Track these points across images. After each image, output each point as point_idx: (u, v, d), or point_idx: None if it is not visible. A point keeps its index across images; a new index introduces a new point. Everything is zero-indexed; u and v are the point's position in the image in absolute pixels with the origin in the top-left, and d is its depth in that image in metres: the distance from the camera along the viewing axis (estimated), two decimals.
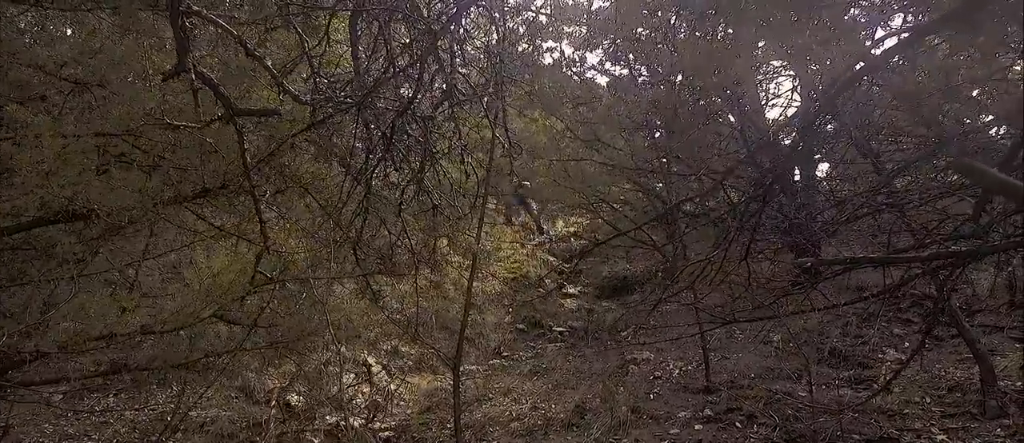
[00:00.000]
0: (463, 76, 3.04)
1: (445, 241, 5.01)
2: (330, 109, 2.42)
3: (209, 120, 2.33)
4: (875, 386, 4.78)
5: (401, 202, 3.52)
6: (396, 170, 3.47)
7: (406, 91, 2.84)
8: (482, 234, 5.02)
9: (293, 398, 6.17)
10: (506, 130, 3.28)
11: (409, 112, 2.79)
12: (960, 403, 4.23)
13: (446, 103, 2.99)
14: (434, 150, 3.25)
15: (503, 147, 3.60)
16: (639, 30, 8.06)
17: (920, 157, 4.54)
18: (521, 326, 8.90)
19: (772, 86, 8.96)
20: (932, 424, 4.03)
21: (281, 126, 2.69)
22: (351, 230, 4.16)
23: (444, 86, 2.98)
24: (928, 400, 4.33)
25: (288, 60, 3.51)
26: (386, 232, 4.34)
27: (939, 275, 4.68)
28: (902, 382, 4.67)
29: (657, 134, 9.00)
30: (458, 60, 3.04)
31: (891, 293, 4.35)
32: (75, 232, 3.89)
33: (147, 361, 4.03)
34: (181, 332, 4.06)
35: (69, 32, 4.38)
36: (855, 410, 4.25)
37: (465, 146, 3.40)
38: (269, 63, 2.30)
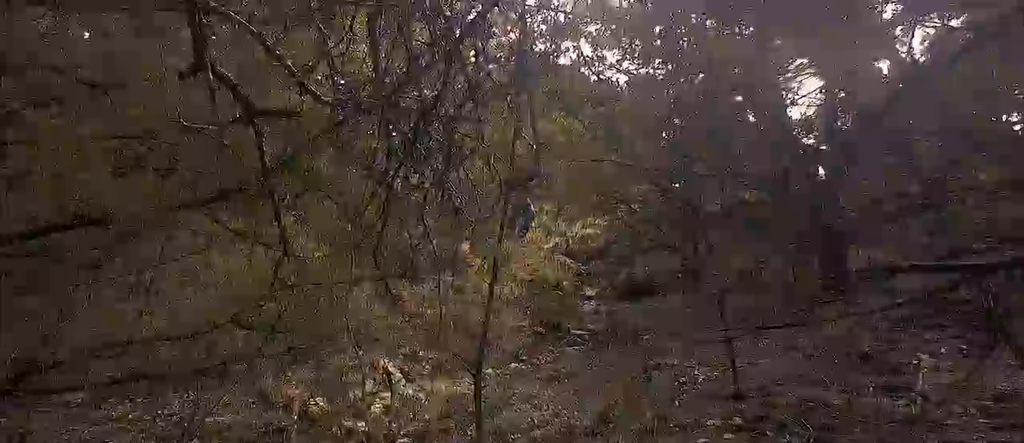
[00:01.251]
0: (487, 74, 2.93)
1: (466, 244, 4.88)
2: (351, 109, 2.31)
3: (227, 121, 2.22)
4: (912, 393, 4.60)
5: (425, 205, 3.41)
6: (416, 173, 3.36)
7: (429, 91, 2.72)
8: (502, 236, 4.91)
9: (311, 404, 6.09)
10: (533, 129, 3.16)
11: (433, 112, 2.68)
12: (1009, 414, 4.04)
13: (471, 102, 2.87)
14: (458, 150, 3.13)
15: (530, 146, 3.48)
16: (659, 29, 7.93)
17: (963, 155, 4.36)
18: (540, 329, 8.77)
19: (796, 85, 8.78)
20: (978, 436, 3.84)
21: (301, 128, 2.60)
22: (372, 234, 4.07)
23: (467, 85, 2.86)
24: (973, 410, 4.15)
25: (308, 60, 3.42)
26: (407, 235, 4.23)
27: (989, 281, 4.51)
28: (942, 391, 4.49)
29: (676, 132, 8.85)
30: (482, 59, 2.92)
31: (934, 298, 4.18)
32: (91, 237, 3.83)
33: (163, 368, 3.96)
34: (198, 338, 3.99)
35: (86, 34, 4.32)
36: (895, 420, 4.08)
37: (489, 146, 3.28)
38: (289, 63, 2.20)
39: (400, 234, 4.31)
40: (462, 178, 4.10)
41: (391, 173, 3.26)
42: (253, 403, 6.12)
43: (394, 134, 2.73)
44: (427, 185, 3.34)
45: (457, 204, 3.94)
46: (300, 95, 2.15)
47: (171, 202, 3.00)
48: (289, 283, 4.51)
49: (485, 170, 3.80)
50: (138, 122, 3.42)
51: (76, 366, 3.77)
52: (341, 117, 2.34)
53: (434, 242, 3.85)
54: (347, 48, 3.38)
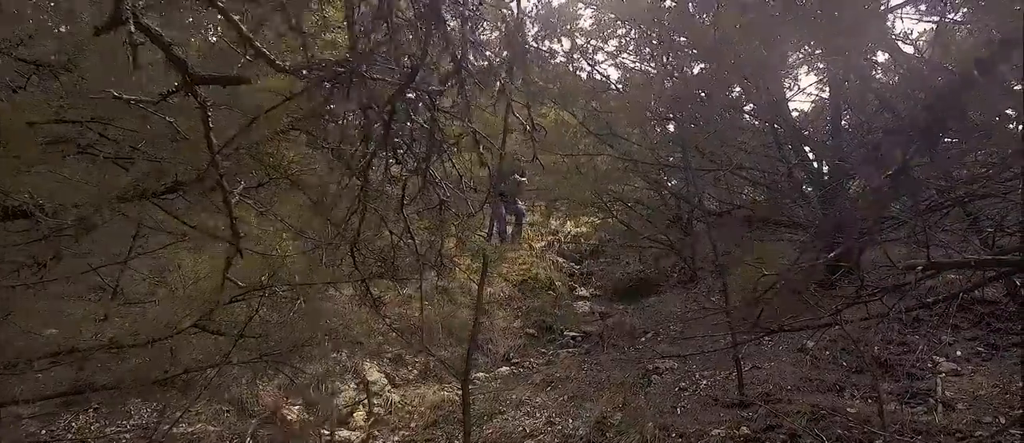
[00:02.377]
0: (474, 48, 2.58)
1: (452, 242, 4.53)
2: (317, 77, 1.95)
3: (166, 92, 1.86)
4: (932, 400, 4.29)
5: (404, 197, 3.05)
6: (397, 161, 3.00)
7: (408, 66, 2.36)
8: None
9: (288, 412, 5.72)
10: (529, 114, 2.81)
11: (412, 88, 2.32)
12: None
13: (456, 80, 2.52)
14: (442, 135, 2.78)
15: (523, 132, 3.12)
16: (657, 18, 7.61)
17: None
18: (531, 331, 8.43)
19: (795, 78, 8.50)
20: None
21: (259, 102, 2.24)
22: (347, 229, 3.70)
23: (452, 60, 2.51)
24: (1002, 420, 3.85)
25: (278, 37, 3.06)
26: (387, 232, 3.87)
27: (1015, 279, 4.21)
28: (967, 398, 4.19)
29: (672, 127, 8.54)
30: (468, 32, 2.57)
31: (959, 298, 3.87)
32: (36, 233, 3.45)
33: (116, 378, 3.58)
34: (156, 344, 3.61)
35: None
36: (918, 430, 3.77)
37: (477, 132, 2.92)
38: (239, 21, 1.83)
39: (379, 230, 3.95)
40: (448, 168, 3.76)
41: (367, 159, 2.91)
42: (227, 411, 5.73)
43: (369, 111, 2.39)
44: (406, 174, 2.99)
45: (442, 196, 3.59)
46: (246, 56, 1.79)
47: (114, 193, 2.63)
48: (260, 284, 4.16)
49: (473, 160, 3.44)
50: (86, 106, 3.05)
51: (17, 375, 3.39)
52: (304, 86, 1.98)
53: (416, 240, 3.49)
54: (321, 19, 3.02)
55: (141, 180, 2.82)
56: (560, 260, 11.45)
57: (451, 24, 2.35)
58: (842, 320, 4.06)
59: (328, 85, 2.22)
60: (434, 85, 2.55)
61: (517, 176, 10.72)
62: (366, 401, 6.19)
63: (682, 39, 7.38)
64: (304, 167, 3.26)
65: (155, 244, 4.07)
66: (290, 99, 2.03)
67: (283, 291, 4.09)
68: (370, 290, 4.26)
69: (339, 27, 3.74)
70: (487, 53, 3.30)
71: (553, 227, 12.94)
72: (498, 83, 3.56)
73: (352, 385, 6.34)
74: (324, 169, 3.43)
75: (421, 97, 2.46)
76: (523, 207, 11.50)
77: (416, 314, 6.73)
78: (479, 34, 2.77)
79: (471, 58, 2.70)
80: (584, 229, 12.46)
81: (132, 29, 1.54)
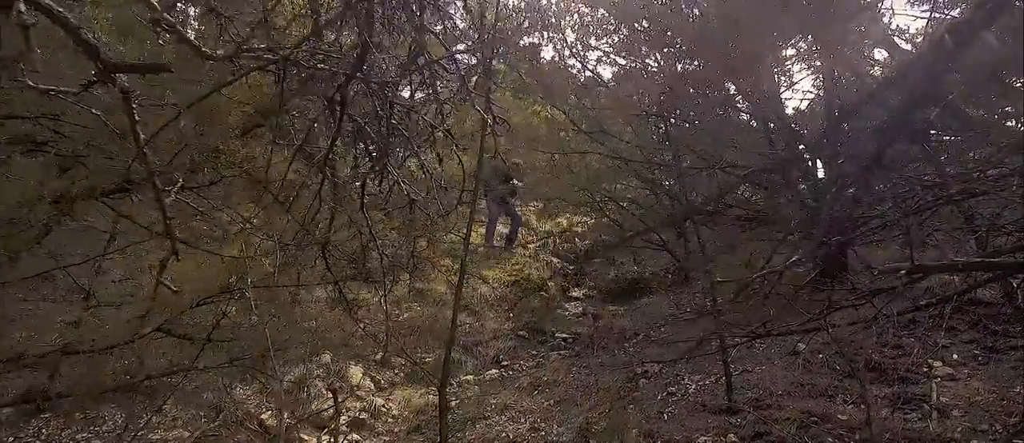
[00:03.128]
0: (440, 31, 2.43)
1: (424, 242, 4.37)
2: (248, 67, 1.80)
3: (87, 82, 1.71)
4: (926, 406, 4.13)
5: (363, 195, 2.89)
6: (355, 154, 2.86)
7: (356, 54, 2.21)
8: (471, 234, 4.41)
9: (266, 417, 5.56)
10: (488, 99, 2.66)
11: (361, 78, 2.17)
12: None
13: (414, 69, 2.37)
14: (408, 130, 2.63)
15: (492, 127, 2.97)
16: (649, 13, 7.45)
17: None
18: (523, 332, 8.28)
19: (789, 76, 8.37)
20: None
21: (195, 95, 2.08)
22: (314, 228, 3.56)
23: (411, 49, 2.36)
24: (998, 427, 3.68)
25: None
26: (360, 232, 3.72)
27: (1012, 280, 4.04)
28: (962, 404, 4.02)
29: (664, 128, 8.38)
30: (423, 19, 2.41)
31: (954, 300, 3.72)
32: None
33: (72, 385, 3.43)
34: (115, 350, 3.46)
35: None
36: (911, 438, 3.61)
37: (445, 119, 2.77)
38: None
39: (351, 231, 3.80)
40: (418, 166, 3.61)
41: (325, 152, 2.76)
42: (203, 417, 5.58)
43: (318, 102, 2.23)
44: (364, 170, 2.85)
45: (411, 195, 3.43)
46: (158, 37, 1.63)
47: (54, 193, 2.48)
48: (228, 287, 4.01)
49: (448, 157, 3.29)
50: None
51: None
52: (233, 74, 1.83)
53: (382, 241, 3.34)
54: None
55: (90, 179, 2.67)
56: (554, 261, 11.31)
57: (403, 14, 2.20)
58: (830, 324, 3.91)
59: (273, 72, 2.08)
60: (390, 73, 2.40)
61: (515, 182, 10.55)
62: (348, 405, 6.04)
63: (670, 33, 7.24)
64: (264, 164, 3.11)
65: (125, 244, 3.92)
66: (219, 89, 1.87)
67: (251, 294, 3.95)
68: (342, 293, 4.10)
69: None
70: (459, 47, 3.15)
71: (548, 228, 12.80)
72: (474, 77, 3.42)
73: (335, 389, 6.20)
74: (286, 166, 3.28)
75: (374, 88, 2.30)
76: (520, 212, 11.33)
77: (401, 316, 6.59)
78: (441, 22, 2.62)
79: (435, 49, 2.55)
80: (578, 229, 12.33)
81: (22, 7, 1.39)
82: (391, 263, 3.66)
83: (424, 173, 3.30)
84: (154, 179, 1.95)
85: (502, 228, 11.12)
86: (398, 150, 2.55)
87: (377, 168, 2.64)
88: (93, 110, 2.33)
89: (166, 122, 1.88)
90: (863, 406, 4.20)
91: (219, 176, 2.98)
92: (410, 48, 2.32)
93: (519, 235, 11.03)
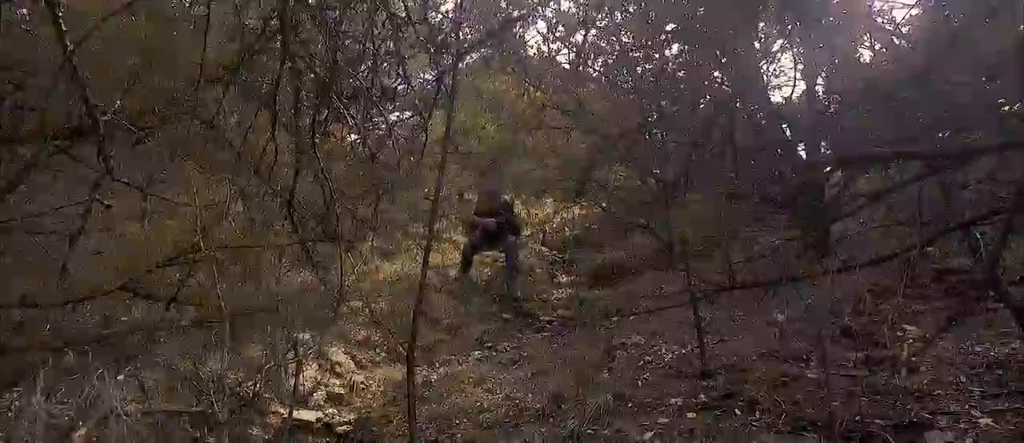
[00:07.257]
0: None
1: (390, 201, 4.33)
2: None
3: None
4: (896, 365, 4.12)
5: (314, 132, 2.87)
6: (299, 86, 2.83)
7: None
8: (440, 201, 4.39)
9: (241, 388, 5.54)
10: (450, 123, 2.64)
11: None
12: (1004, 382, 3.55)
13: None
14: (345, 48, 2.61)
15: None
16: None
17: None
18: (507, 315, 8.26)
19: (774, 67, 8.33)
20: (971, 406, 3.35)
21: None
22: (277, 184, 3.54)
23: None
24: (963, 379, 3.66)
25: None
26: (322, 187, 3.71)
27: (979, 236, 4.03)
28: (929, 361, 4.00)
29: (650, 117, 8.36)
30: None
31: (920, 250, 3.70)
32: None
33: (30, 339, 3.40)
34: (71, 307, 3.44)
35: None
36: (876, 392, 3.59)
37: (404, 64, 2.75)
38: None
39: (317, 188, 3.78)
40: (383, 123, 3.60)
41: (275, 92, 2.74)
42: (179, 387, 5.56)
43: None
44: (313, 96, 2.82)
45: (372, 150, 3.42)
46: None
47: None
48: (192, 247, 3.99)
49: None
50: None
51: None
52: None
53: (328, 181, 3.31)
54: None
55: (37, 118, 2.66)
56: (543, 249, 11.32)
57: None
58: (802, 276, 3.90)
59: None
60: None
61: (506, 198, 9.11)
62: (326, 382, 6.03)
63: (654, 14, 7.23)
64: (223, 111, 3.10)
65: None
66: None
67: (217, 254, 3.92)
68: (309, 255, 4.08)
69: None
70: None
71: (538, 217, 12.81)
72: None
73: (314, 366, 6.17)
74: (248, 116, 3.27)
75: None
76: (515, 238, 8.94)
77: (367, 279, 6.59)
78: None
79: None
80: (568, 215, 12.34)
81: None
82: (354, 218, 3.63)
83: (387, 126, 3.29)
84: (87, 97, 1.94)
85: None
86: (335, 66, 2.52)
87: (322, 96, 2.62)
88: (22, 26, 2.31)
89: (95, 23, 1.85)
90: (837, 367, 4.21)
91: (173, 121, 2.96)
92: None
93: (515, 275, 8.80)
